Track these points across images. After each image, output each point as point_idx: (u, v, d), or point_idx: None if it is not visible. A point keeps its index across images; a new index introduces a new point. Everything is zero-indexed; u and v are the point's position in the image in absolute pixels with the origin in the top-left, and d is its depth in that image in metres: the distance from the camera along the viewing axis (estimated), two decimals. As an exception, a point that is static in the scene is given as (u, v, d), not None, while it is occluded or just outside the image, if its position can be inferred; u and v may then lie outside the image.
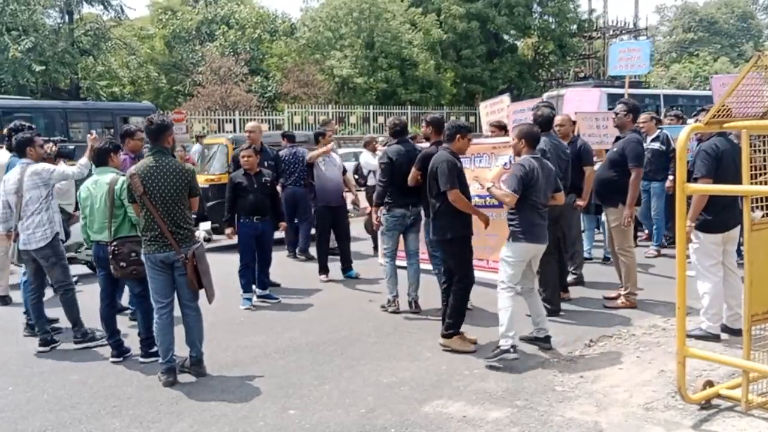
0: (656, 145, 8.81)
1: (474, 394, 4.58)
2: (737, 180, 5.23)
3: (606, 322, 6.17)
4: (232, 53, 30.16)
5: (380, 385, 4.82)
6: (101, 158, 5.55)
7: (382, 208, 6.71)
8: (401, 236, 6.89)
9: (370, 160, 9.79)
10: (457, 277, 5.57)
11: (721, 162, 5.29)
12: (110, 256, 5.20)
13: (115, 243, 5.20)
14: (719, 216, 5.37)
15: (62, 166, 6.15)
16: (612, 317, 6.35)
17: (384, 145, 8.91)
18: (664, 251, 9.16)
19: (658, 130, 8.99)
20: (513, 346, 5.04)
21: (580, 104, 10.09)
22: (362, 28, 29.08)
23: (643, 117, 8.80)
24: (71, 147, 6.77)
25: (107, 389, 4.89)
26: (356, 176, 10.43)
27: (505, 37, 35.34)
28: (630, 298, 6.66)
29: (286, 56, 31.58)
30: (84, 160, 6.12)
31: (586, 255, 8.66)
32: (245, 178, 7.18)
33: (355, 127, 26.31)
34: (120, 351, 5.52)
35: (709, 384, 4.25)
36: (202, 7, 36.27)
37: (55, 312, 6.53)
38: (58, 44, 27.51)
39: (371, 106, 26.89)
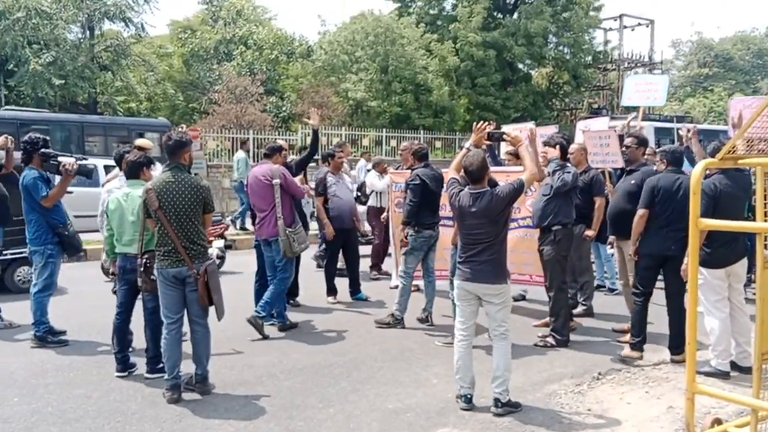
0: None
1: (480, 423, 4.53)
2: (737, 217, 5.26)
3: (615, 356, 6.12)
4: (248, 73, 30.40)
5: (385, 410, 4.79)
6: (133, 172, 5.58)
7: (409, 229, 6.82)
8: None
9: (375, 182, 9.97)
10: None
11: (719, 201, 5.37)
12: (141, 269, 5.17)
13: (147, 256, 5.17)
14: (718, 251, 5.40)
15: None
16: (621, 350, 6.30)
17: (396, 169, 8.99)
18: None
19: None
20: (460, 396, 4.84)
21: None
22: (378, 53, 29.30)
23: (648, 151, 9.03)
24: (91, 166, 6.83)
25: (111, 404, 4.88)
26: (358, 193, 10.56)
27: (520, 66, 35.52)
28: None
29: (301, 78, 31.80)
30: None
31: (598, 282, 8.68)
32: None
33: (368, 150, 26.40)
34: (125, 366, 5.52)
35: (718, 422, 4.20)
36: (221, 27, 36.66)
37: (62, 321, 6.57)
38: (78, 59, 27.80)
39: (384, 130, 26.98)
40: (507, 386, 4.69)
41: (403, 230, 7.06)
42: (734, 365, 5.55)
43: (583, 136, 8.23)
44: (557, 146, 6.60)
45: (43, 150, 6.43)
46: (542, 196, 6.52)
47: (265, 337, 6.61)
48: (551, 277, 6.46)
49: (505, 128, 10.54)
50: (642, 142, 6.96)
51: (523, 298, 8.26)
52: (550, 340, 6.37)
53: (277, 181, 6.73)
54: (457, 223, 4.94)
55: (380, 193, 9.99)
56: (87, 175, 6.87)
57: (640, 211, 5.95)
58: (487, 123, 5.44)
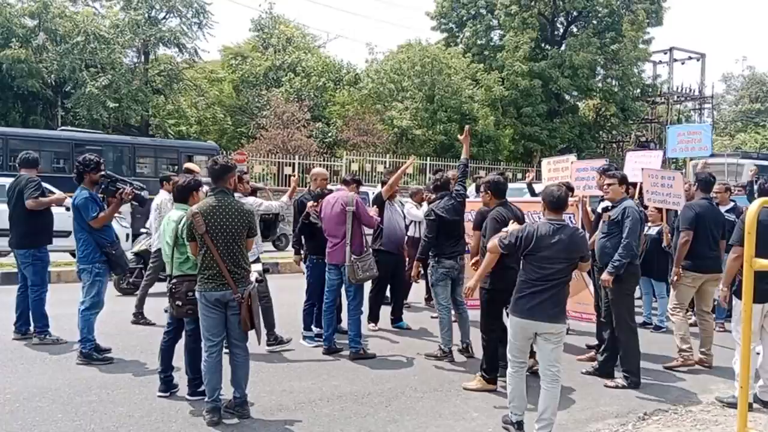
0: (731, 216, 8.77)
1: (520, 460, 4.43)
2: None
3: (661, 395, 5.94)
4: (296, 99, 30.91)
5: (424, 442, 4.72)
6: (182, 195, 5.66)
7: (430, 260, 6.85)
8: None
9: (414, 211, 9.45)
10: None
11: (758, 234, 5.17)
12: (168, 294, 5.25)
13: (174, 280, 5.25)
14: (755, 286, 5.19)
15: (259, 200, 7.42)
16: (668, 390, 6.12)
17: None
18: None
19: (732, 202, 8.98)
20: (513, 423, 4.76)
21: (647, 164, 9.88)
22: (424, 82, 29.51)
23: (716, 187, 9.07)
24: (146, 194, 7.09)
25: (152, 424, 4.92)
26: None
27: (567, 97, 35.35)
28: (701, 359, 6.86)
29: (348, 105, 32.17)
30: (285, 198, 7.58)
31: (645, 319, 8.72)
32: (318, 219, 7.25)
33: (411, 178, 26.47)
34: (168, 386, 5.56)
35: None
36: (271, 54, 37.43)
37: (107, 339, 6.67)
38: (133, 82, 28.74)
39: (428, 158, 27.07)
40: (552, 429, 4.58)
41: (417, 266, 7.08)
42: (756, 398, 5.53)
43: (642, 173, 8.13)
44: (617, 178, 6.46)
45: (106, 173, 6.67)
46: (602, 234, 6.38)
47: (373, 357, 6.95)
48: (618, 317, 6.21)
49: (545, 161, 10.44)
50: (697, 181, 7.32)
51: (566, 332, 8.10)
52: (620, 381, 6.14)
53: (351, 207, 6.83)
54: (527, 255, 4.68)
55: (419, 222, 9.75)
56: (141, 203, 7.07)
57: None
58: None
